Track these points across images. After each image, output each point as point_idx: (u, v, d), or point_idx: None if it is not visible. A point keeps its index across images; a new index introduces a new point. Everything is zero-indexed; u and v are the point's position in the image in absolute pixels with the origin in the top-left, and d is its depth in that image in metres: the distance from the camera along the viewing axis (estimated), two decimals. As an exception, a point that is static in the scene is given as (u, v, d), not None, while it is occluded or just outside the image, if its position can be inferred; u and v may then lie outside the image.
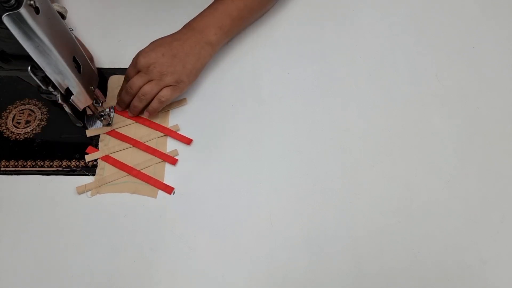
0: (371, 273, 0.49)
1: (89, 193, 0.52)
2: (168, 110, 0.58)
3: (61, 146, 0.55)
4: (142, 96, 0.55)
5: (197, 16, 0.60)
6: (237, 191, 0.53)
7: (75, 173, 0.53)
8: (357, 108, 0.60)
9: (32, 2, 0.35)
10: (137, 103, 0.56)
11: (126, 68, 0.61)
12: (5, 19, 0.34)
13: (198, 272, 0.49)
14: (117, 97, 0.58)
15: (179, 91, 0.57)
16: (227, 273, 0.49)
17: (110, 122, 0.57)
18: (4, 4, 0.34)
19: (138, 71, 0.55)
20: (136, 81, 0.54)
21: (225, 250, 0.50)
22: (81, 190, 0.52)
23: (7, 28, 0.35)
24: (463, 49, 0.66)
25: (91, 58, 0.60)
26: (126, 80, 0.56)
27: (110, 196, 0.52)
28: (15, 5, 0.34)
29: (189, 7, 0.67)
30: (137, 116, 0.57)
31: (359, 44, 0.66)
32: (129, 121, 0.57)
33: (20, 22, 0.35)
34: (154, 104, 0.56)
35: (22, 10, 0.35)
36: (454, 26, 0.68)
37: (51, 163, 0.54)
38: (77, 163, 0.54)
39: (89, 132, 0.56)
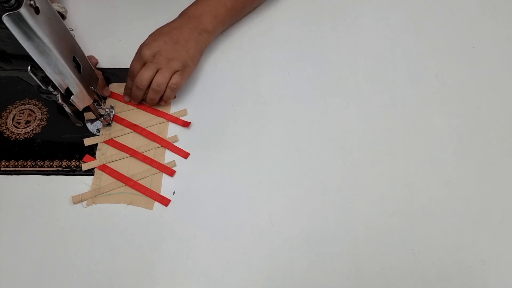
0: (371, 273, 0.49)
1: (84, 203, 0.51)
2: (167, 122, 0.58)
3: (61, 146, 0.55)
4: (157, 87, 0.55)
5: (191, 4, 0.61)
6: (237, 191, 0.53)
7: (75, 173, 0.53)
8: (357, 108, 0.60)
9: (32, 2, 0.35)
10: (154, 95, 0.56)
11: (126, 68, 0.61)
12: (5, 19, 0.34)
13: (198, 272, 0.49)
14: (124, 96, 0.58)
15: (187, 75, 0.58)
16: (227, 273, 0.49)
17: (110, 122, 0.57)
18: (4, 4, 0.34)
19: (144, 64, 0.55)
20: (146, 73, 0.54)
21: (225, 250, 0.50)
22: (76, 200, 0.51)
23: (7, 28, 0.35)
24: (463, 49, 0.66)
25: (95, 64, 0.61)
26: (132, 76, 0.56)
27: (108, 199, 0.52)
28: (15, 5, 0.34)
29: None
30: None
31: (359, 44, 0.66)
32: (128, 130, 0.57)
33: (20, 22, 0.35)
34: (168, 93, 0.56)
35: (22, 10, 0.35)
36: (454, 26, 0.68)
37: (51, 163, 0.54)
38: (77, 163, 0.54)
39: (87, 141, 0.55)
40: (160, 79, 0.55)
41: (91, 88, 0.51)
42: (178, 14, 0.62)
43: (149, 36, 0.57)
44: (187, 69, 0.57)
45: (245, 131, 0.57)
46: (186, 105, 0.59)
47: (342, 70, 0.63)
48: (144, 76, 0.54)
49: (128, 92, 0.58)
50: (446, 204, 0.53)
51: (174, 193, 0.53)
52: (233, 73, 0.62)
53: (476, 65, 0.64)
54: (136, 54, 0.56)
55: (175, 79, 0.56)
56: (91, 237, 0.50)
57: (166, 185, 0.53)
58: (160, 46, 0.55)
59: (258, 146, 0.56)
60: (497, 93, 0.61)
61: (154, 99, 0.57)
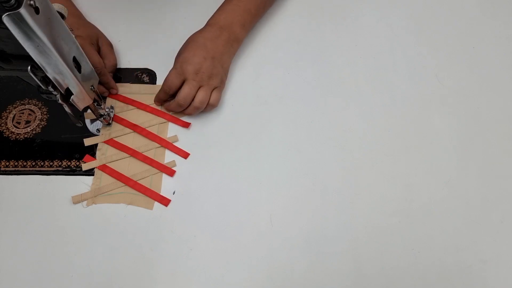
0: (371, 273, 0.49)
1: (84, 203, 0.51)
2: (167, 122, 0.58)
3: (61, 146, 0.55)
4: (199, 105, 0.55)
5: (220, 12, 0.60)
6: (237, 191, 0.53)
7: (75, 173, 0.53)
8: (357, 108, 0.60)
9: (32, 2, 0.35)
10: (193, 112, 0.57)
11: (126, 68, 0.61)
12: (5, 19, 0.34)
13: (198, 272, 0.49)
14: (156, 101, 0.58)
15: (222, 90, 0.58)
16: (227, 273, 0.49)
17: (110, 122, 0.57)
18: (4, 4, 0.34)
19: (183, 79, 0.55)
20: (190, 92, 0.54)
21: (225, 250, 0.50)
22: (76, 200, 0.51)
23: (7, 28, 0.35)
24: (463, 49, 0.66)
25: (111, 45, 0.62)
26: (167, 91, 0.56)
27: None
28: (15, 5, 0.34)
29: (189, 7, 0.67)
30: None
31: (359, 44, 0.66)
32: (128, 130, 0.57)
33: (20, 22, 0.35)
34: (207, 109, 0.57)
35: (22, 10, 0.34)
36: (454, 26, 0.68)
37: (51, 163, 0.54)
38: (77, 163, 0.54)
39: (87, 141, 0.55)
40: (203, 98, 0.55)
41: (91, 88, 0.51)
42: (177, 14, 0.62)
43: (185, 49, 0.56)
44: (222, 85, 0.58)
45: (245, 131, 0.57)
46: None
47: (342, 70, 0.63)
48: (189, 95, 0.54)
49: (160, 102, 0.58)
50: (446, 204, 0.53)
51: (174, 193, 0.53)
52: (233, 73, 0.62)
53: (476, 65, 0.64)
54: (176, 68, 0.55)
55: (215, 96, 0.56)
56: (91, 237, 0.50)
57: (166, 185, 0.53)
58: (201, 63, 0.55)
59: (258, 146, 0.56)
60: (497, 93, 0.61)
61: (193, 114, 0.58)
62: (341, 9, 0.69)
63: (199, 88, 0.55)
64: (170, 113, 0.58)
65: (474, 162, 0.56)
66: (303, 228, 0.51)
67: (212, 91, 0.56)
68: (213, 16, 0.60)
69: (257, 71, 0.63)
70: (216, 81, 0.56)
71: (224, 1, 0.61)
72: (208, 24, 0.59)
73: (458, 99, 0.61)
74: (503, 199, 0.54)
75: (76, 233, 0.50)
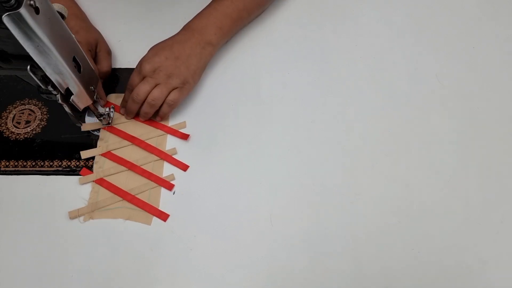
0: (371, 273, 0.49)
1: (82, 218, 0.51)
2: (166, 134, 0.57)
3: (61, 146, 0.55)
4: (152, 102, 0.54)
5: (195, 16, 0.60)
6: (237, 191, 0.53)
7: (75, 173, 0.53)
8: (357, 108, 0.60)
9: (32, 2, 0.35)
10: (148, 109, 0.55)
11: (126, 68, 0.61)
12: (5, 19, 0.34)
13: (198, 272, 0.49)
14: (120, 108, 0.58)
15: (186, 92, 0.57)
16: (227, 273, 0.49)
17: (110, 122, 0.56)
18: (4, 4, 0.34)
19: (143, 78, 0.54)
20: (143, 87, 0.54)
21: (225, 250, 0.50)
22: (73, 215, 0.50)
23: (7, 28, 0.35)
24: (463, 49, 0.66)
25: (109, 52, 0.61)
26: (130, 89, 0.55)
27: (110, 196, 0.52)
28: (15, 5, 0.34)
29: (189, 7, 0.67)
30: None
31: (359, 44, 0.66)
32: (126, 142, 0.55)
33: (20, 22, 0.35)
34: (164, 109, 0.56)
35: (22, 10, 0.35)
36: (454, 26, 0.68)
37: (51, 163, 0.54)
38: (77, 163, 0.54)
39: (84, 154, 0.54)
40: (157, 94, 0.54)
41: (91, 88, 0.51)
42: (177, 14, 0.62)
43: (150, 50, 0.56)
44: (187, 86, 0.56)
45: (245, 131, 0.57)
46: (185, 116, 0.59)
47: (342, 70, 0.63)
48: (141, 90, 0.54)
49: (125, 104, 0.57)
50: (446, 204, 0.53)
51: (174, 193, 0.53)
52: (233, 73, 0.62)
53: (476, 65, 0.64)
54: (136, 67, 0.55)
55: (173, 95, 0.55)
56: (91, 237, 0.50)
57: (164, 198, 0.52)
58: (161, 62, 0.54)
59: (258, 146, 0.56)
60: (497, 93, 0.61)
61: (148, 113, 0.56)
62: (341, 9, 0.69)
63: (156, 86, 0.54)
64: (143, 119, 0.57)
65: (474, 162, 0.56)
66: (303, 228, 0.51)
67: (171, 91, 0.55)
68: (190, 21, 0.59)
69: (257, 71, 0.63)
70: (176, 81, 0.55)
71: (205, 7, 0.61)
72: (182, 28, 0.59)
73: (458, 99, 0.61)
74: (503, 199, 0.54)
75: (76, 233, 0.50)
